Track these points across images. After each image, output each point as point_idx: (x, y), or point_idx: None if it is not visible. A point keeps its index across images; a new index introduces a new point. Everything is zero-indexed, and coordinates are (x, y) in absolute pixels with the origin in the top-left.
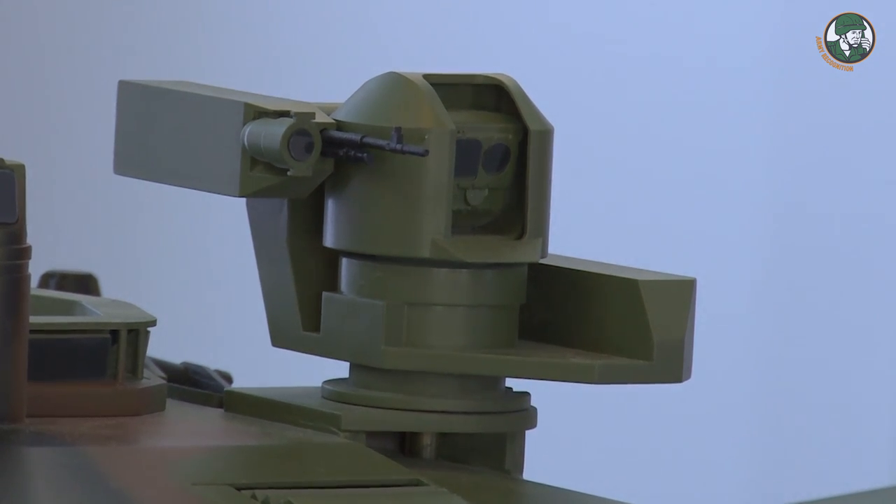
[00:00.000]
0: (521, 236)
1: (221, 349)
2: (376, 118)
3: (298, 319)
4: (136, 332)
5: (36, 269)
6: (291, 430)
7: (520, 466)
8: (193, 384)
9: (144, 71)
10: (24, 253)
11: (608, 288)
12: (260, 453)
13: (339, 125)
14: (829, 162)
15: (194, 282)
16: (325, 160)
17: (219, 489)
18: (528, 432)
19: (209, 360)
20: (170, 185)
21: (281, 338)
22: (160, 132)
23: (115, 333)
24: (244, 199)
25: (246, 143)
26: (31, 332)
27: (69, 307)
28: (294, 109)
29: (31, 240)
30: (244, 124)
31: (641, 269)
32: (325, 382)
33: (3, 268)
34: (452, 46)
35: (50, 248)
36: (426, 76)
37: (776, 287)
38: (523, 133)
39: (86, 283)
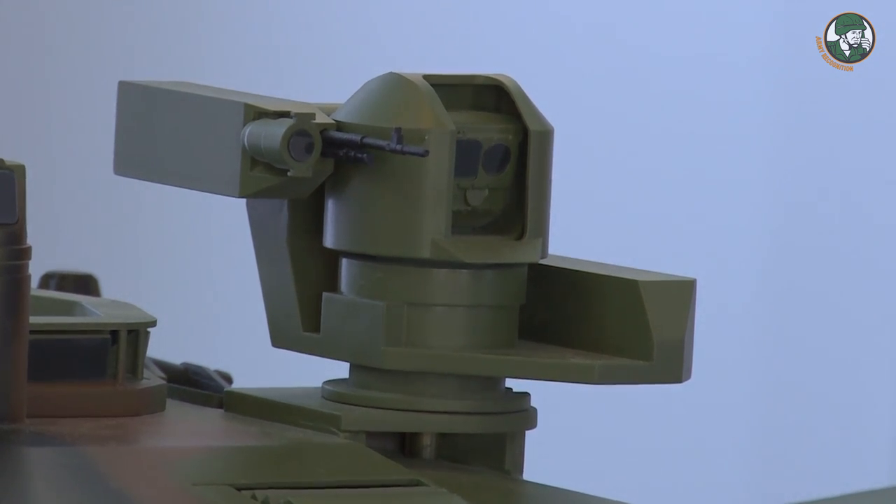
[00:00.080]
0: (521, 236)
1: (221, 349)
2: (376, 119)
3: (298, 320)
4: (136, 333)
5: (36, 269)
6: (291, 430)
7: (520, 467)
8: (193, 384)
9: (144, 71)
10: (24, 253)
11: (608, 288)
12: (260, 453)
13: (339, 126)
14: (829, 162)
15: (194, 282)
16: (325, 161)
17: (219, 489)
18: (528, 432)
19: (209, 360)
20: (170, 185)
21: (281, 338)
22: (160, 133)
23: (114, 334)
24: (244, 200)
25: (246, 144)
26: (32, 332)
27: (69, 308)
28: (294, 110)
29: (31, 240)
30: (244, 125)
31: (641, 270)
32: (325, 383)
33: (3, 268)
34: (452, 46)
35: (50, 248)
36: (426, 77)
37: (776, 287)
38: (523, 133)
39: (86, 284)
